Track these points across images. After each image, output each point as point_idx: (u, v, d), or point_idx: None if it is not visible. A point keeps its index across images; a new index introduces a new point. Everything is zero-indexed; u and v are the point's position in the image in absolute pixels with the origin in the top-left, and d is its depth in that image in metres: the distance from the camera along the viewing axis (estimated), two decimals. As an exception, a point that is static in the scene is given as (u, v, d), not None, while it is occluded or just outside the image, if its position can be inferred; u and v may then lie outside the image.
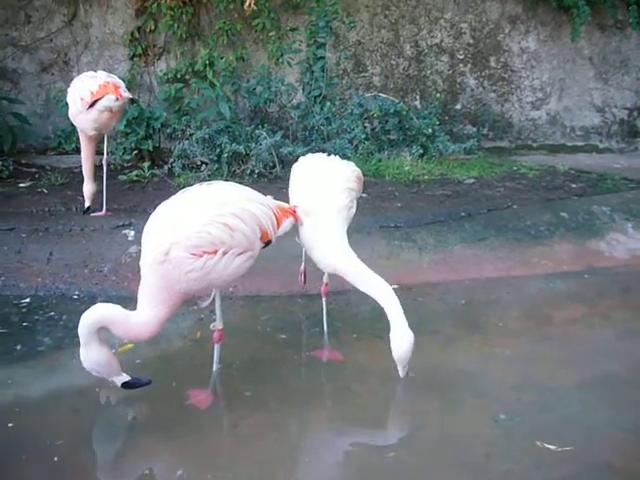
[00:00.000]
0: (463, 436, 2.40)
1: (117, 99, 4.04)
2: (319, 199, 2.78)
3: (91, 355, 2.37)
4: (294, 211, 2.76)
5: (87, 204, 4.34)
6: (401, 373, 2.66)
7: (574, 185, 5.40)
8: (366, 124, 6.13)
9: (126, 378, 2.46)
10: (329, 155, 3.12)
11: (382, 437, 2.44)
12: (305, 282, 3.27)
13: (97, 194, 4.41)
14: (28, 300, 3.55)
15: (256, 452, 2.31)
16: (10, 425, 2.39)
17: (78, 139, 4.42)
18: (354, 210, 2.92)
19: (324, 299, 3.15)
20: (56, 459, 2.21)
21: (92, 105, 4.01)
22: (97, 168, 4.51)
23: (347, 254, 2.72)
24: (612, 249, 4.41)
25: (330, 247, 2.72)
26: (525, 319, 3.50)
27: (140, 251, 2.44)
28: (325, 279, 3.09)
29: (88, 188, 4.32)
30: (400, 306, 2.62)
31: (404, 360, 2.62)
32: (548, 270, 4.15)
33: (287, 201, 2.90)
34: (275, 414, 2.61)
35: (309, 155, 3.16)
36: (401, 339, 2.59)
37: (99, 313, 2.35)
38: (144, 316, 2.38)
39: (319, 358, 3.00)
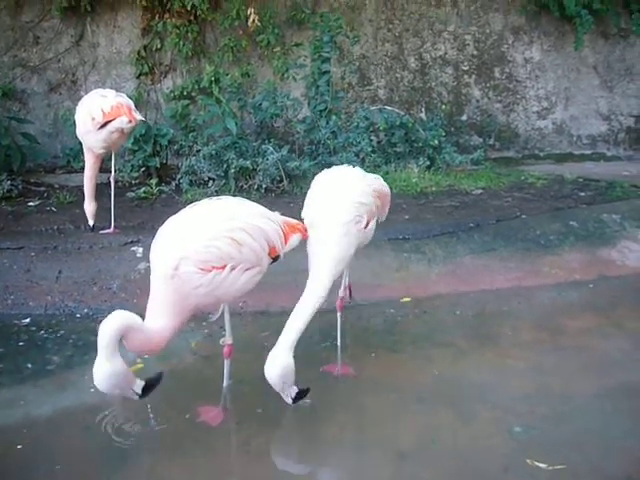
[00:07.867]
0: (479, 449, 2.36)
1: (130, 122, 4.01)
2: (323, 212, 2.70)
3: (110, 367, 2.17)
4: (302, 227, 2.74)
5: (91, 222, 4.33)
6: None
7: (583, 194, 5.37)
8: (372, 137, 6.14)
9: (141, 383, 2.30)
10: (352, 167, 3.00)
11: (396, 452, 2.40)
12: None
13: (104, 211, 4.42)
14: (37, 318, 3.55)
15: (268, 469, 2.28)
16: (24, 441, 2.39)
17: (85, 157, 4.43)
18: (362, 224, 2.77)
19: (339, 314, 3.09)
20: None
21: (103, 125, 3.97)
22: (105, 186, 4.53)
23: (326, 281, 2.59)
24: (623, 257, 4.37)
25: (324, 263, 2.61)
26: (537, 329, 3.46)
27: (149, 268, 2.44)
28: (340, 293, 3.06)
29: (90, 207, 4.30)
30: (296, 334, 2.48)
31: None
32: (559, 280, 4.10)
33: (295, 216, 2.88)
34: (287, 431, 2.59)
35: (334, 168, 3.03)
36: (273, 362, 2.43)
37: (119, 320, 2.21)
38: (150, 329, 2.34)
39: (331, 373, 2.97)
